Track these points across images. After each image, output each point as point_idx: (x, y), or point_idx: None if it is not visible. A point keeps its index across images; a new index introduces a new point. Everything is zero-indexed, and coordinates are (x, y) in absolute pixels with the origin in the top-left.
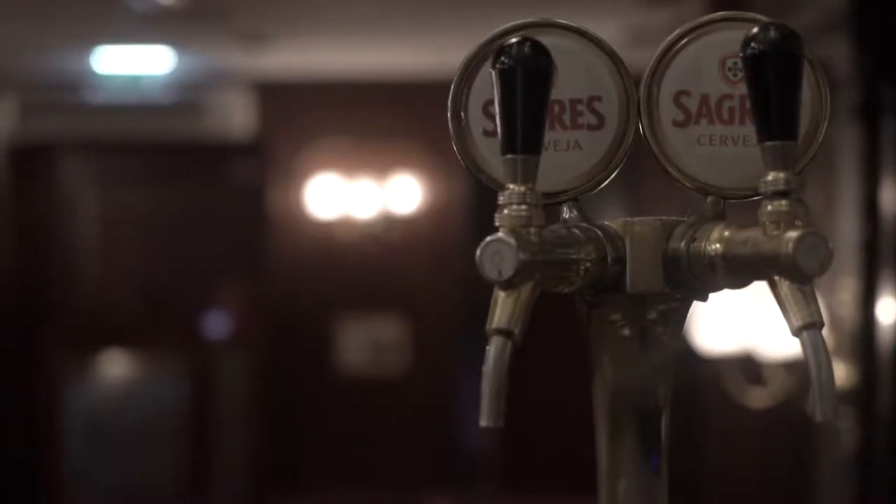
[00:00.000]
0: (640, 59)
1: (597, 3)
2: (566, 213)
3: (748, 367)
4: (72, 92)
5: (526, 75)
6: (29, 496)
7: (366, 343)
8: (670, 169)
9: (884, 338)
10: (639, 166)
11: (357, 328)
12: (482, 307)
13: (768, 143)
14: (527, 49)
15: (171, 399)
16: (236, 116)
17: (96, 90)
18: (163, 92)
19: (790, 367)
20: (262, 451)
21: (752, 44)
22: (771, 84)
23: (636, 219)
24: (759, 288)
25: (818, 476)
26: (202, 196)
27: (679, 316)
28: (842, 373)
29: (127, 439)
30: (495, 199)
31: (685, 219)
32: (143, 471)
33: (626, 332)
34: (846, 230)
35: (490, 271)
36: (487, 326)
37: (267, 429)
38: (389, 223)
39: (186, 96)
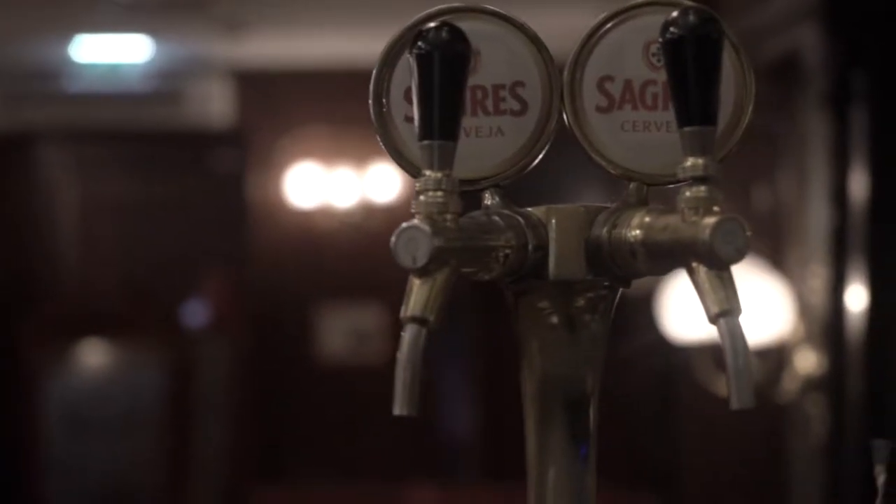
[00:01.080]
0: None
1: None
2: (488, 199)
3: (719, 354)
4: (50, 81)
5: (443, 61)
6: (8, 486)
7: (347, 331)
8: (594, 155)
9: (853, 325)
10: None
11: (338, 317)
12: (463, 295)
13: (687, 129)
14: (444, 34)
15: (151, 389)
16: (215, 105)
17: (75, 79)
18: (141, 81)
19: (762, 354)
20: (243, 440)
21: (671, 28)
22: (689, 69)
23: (559, 205)
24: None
25: (790, 463)
26: (181, 185)
27: (607, 303)
28: (812, 360)
29: (107, 429)
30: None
31: (609, 205)
32: (123, 460)
33: (554, 319)
34: (817, 218)
35: (404, 258)
36: (402, 314)
37: (248, 418)
38: (369, 212)
39: (165, 85)
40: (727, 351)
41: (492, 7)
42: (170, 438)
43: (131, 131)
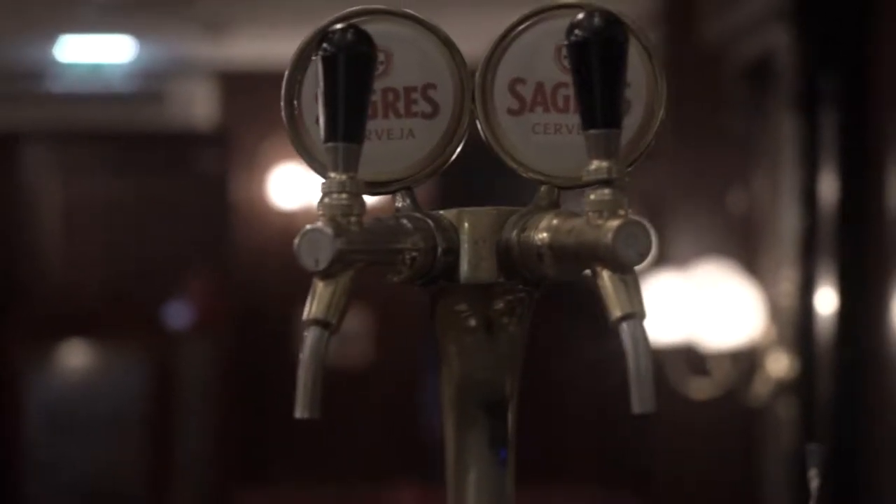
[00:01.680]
0: None
1: None
2: (399, 202)
3: (692, 357)
4: (33, 81)
5: (348, 63)
6: None
7: None
8: (505, 158)
9: (823, 328)
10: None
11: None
12: None
13: (591, 132)
14: (349, 36)
15: (133, 389)
16: (199, 105)
17: (58, 79)
18: (125, 81)
19: (735, 357)
20: (225, 441)
21: (576, 31)
22: (594, 71)
23: (470, 208)
24: (702, 277)
25: (762, 465)
26: (165, 185)
27: (525, 306)
28: (784, 363)
29: (90, 430)
30: (462, 190)
31: (520, 208)
32: (105, 461)
33: (472, 322)
34: (789, 220)
35: (307, 261)
36: (304, 316)
37: (230, 418)
38: None
39: (149, 85)
40: (629, 354)
41: (404, 10)
42: (152, 439)
43: (114, 131)
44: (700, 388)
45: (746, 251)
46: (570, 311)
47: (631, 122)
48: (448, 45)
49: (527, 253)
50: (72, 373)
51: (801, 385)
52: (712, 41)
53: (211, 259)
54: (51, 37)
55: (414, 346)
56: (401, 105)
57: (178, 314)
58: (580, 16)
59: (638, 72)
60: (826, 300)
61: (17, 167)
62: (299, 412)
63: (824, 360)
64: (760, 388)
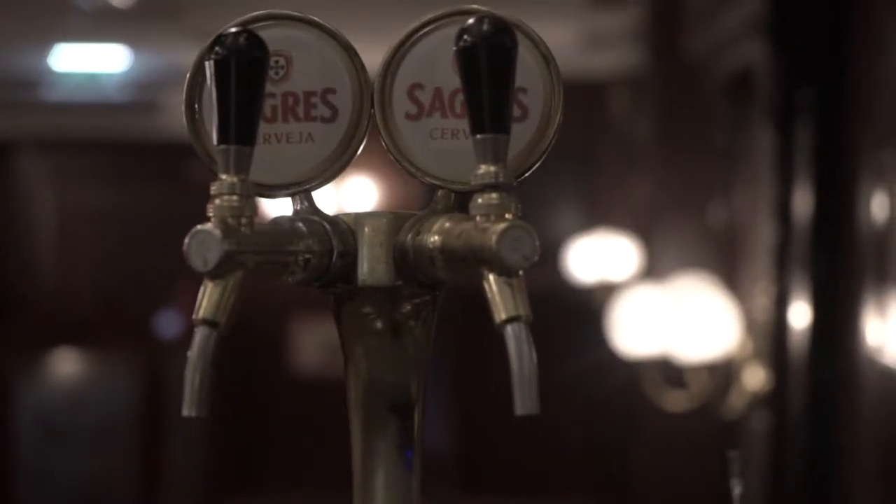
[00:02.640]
0: (593, 62)
1: (545, 6)
2: (297, 204)
3: (668, 369)
4: (28, 90)
5: (239, 66)
6: None
7: (319, 344)
8: (402, 162)
9: (797, 341)
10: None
11: (310, 329)
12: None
13: (479, 136)
14: (241, 40)
15: (124, 398)
16: None
17: (52, 88)
18: (119, 90)
19: (712, 369)
20: (215, 452)
21: (465, 36)
22: (482, 77)
23: (367, 212)
24: (680, 290)
25: (731, 482)
26: (158, 194)
27: (429, 309)
28: (760, 377)
29: (80, 438)
30: (454, 200)
31: (417, 212)
32: (95, 470)
33: (378, 325)
34: (766, 234)
35: (196, 261)
36: (194, 316)
37: (221, 429)
38: None
39: (143, 95)
40: (513, 357)
41: (306, 15)
42: (142, 448)
43: (108, 140)
44: (676, 401)
45: (726, 264)
46: (557, 325)
47: (527, 129)
48: (348, 50)
49: (420, 256)
50: (63, 381)
51: (775, 399)
52: (696, 55)
53: None
54: (45, 46)
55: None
56: (300, 109)
57: (170, 323)
58: (470, 21)
59: (535, 79)
60: (800, 314)
61: (11, 175)
62: (186, 410)
63: (798, 373)
64: (736, 401)
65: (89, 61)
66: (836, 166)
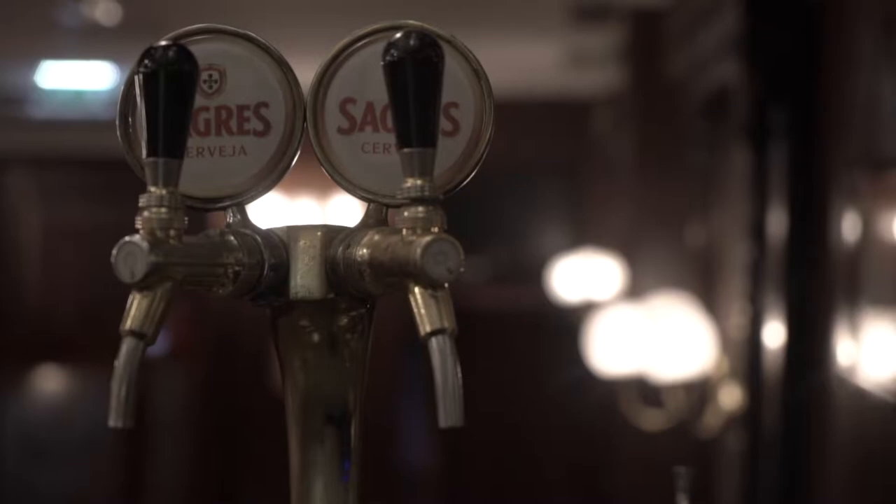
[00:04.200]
0: (574, 82)
1: (523, 23)
2: (230, 217)
3: (645, 388)
4: (14, 107)
5: (168, 79)
6: None
7: None
8: (334, 176)
9: (771, 361)
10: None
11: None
12: None
13: (406, 150)
14: (171, 54)
15: (108, 414)
16: None
17: (39, 105)
18: (105, 107)
19: (688, 388)
20: (200, 467)
21: (392, 51)
22: (409, 91)
23: (299, 225)
24: (654, 308)
25: (714, 497)
26: None
27: (366, 322)
28: (736, 396)
29: (64, 454)
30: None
31: (349, 226)
32: (79, 486)
33: (315, 338)
34: (740, 254)
35: (123, 273)
36: (121, 327)
37: (205, 444)
38: None
39: None
40: (437, 369)
41: (240, 30)
42: (126, 464)
43: (95, 158)
44: (653, 419)
45: (703, 284)
46: (537, 343)
47: (458, 144)
48: (281, 64)
49: (350, 269)
50: (46, 397)
51: (749, 418)
52: (674, 75)
53: None
54: (32, 63)
55: (392, 370)
56: (233, 123)
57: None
58: (397, 35)
59: (467, 93)
60: (774, 334)
61: None
62: (112, 421)
63: (772, 393)
64: (712, 420)
65: (75, 79)
66: (810, 185)
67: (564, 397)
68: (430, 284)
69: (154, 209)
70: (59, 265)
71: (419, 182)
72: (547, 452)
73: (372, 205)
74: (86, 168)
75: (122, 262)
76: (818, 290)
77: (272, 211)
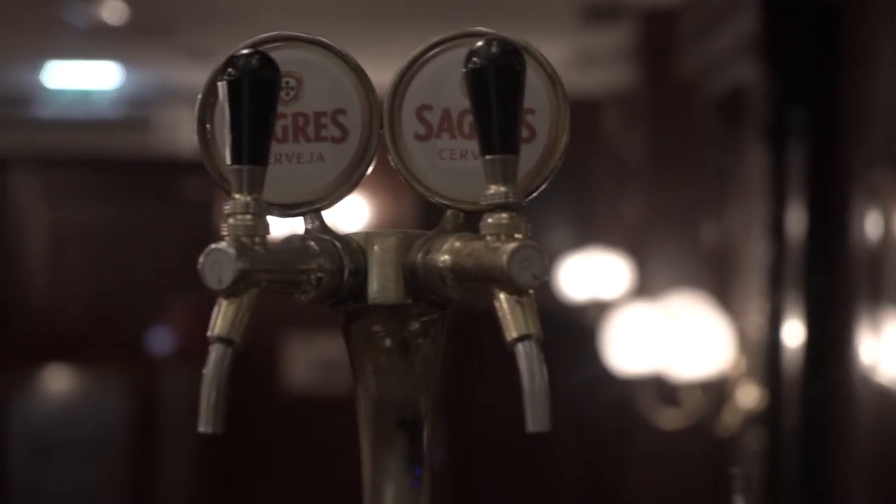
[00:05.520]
0: (585, 80)
1: (533, 22)
2: (308, 224)
3: (662, 387)
4: (20, 106)
5: (252, 87)
6: None
7: (313, 362)
8: (412, 182)
9: (790, 359)
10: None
11: (304, 347)
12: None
13: (489, 157)
14: (254, 61)
15: (116, 415)
16: (185, 132)
17: (44, 105)
18: (111, 107)
19: (706, 387)
20: (207, 469)
21: (474, 58)
22: (491, 98)
23: (378, 231)
24: (674, 308)
25: (731, 495)
26: (150, 211)
27: (438, 327)
28: (754, 395)
29: (71, 454)
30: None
31: (427, 232)
32: (87, 488)
33: (388, 343)
34: (759, 252)
35: (211, 279)
36: (208, 333)
37: (213, 446)
38: None
39: (135, 112)
40: (524, 374)
41: (316, 37)
42: (134, 464)
43: (100, 157)
44: (670, 418)
45: (719, 283)
46: (550, 343)
47: (535, 149)
48: (357, 71)
49: (431, 275)
50: (55, 397)
51: (769, 416)
52: (687, 75)
53: (194, 285)
54: (37, 63)
55: None
56: (311, 129)
57: (161, 340)
58: (479, 44)
59: (543, 100)
60: (793, 332)
61: (3, 192)
62: (202, 427)
63: (792, 391)
64: (730, 419)
65: (81, 78)
66: (829, 185)
67: (580, 396)
68: (516, 290)
69: (240, 216)
70: (65, 265)
71: (502, 188)
72: (563, 451)
73: (449, 211)
74: (92, 168)
75: (210, 269)
76: (838, 289)
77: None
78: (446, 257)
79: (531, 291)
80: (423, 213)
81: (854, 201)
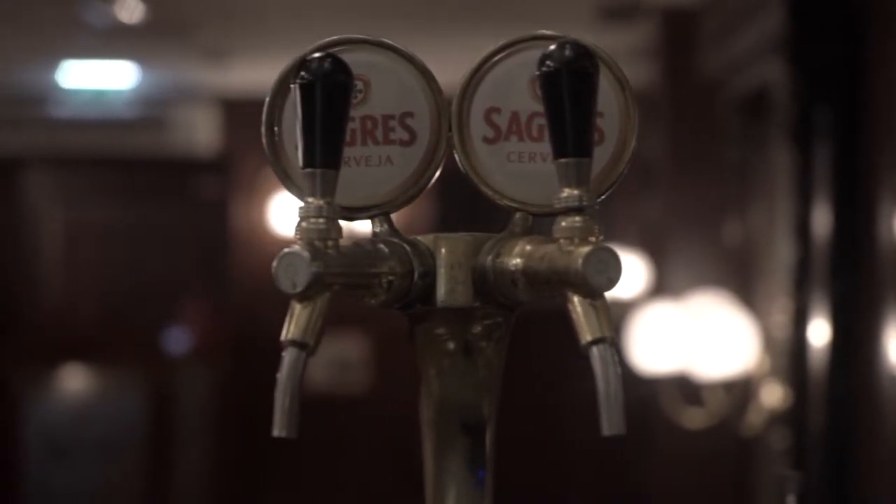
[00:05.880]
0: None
1: (550, 22)
2: (377, 227)
3: (686, 387)
4: (36, 106)
5: (324, 90)
6: None
7: (329, 360)
8: (480, 185)
9: (816, 359)
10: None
11: (320, 345)
12: None
13: (562, 160)
14: (326, 65)
15: (131, 415)
16: (200, 132)
17: (60, 105)
18: (127, 107)
19: (729, 387)
20: (221, 466)
21: (548, 62)
22: (565, 101)
23: (446, 234)
24: (697, 308)
25: (756, 496)
26: (165, 211)
27: (503, 330)
28: (778, 394)
29: (85, 454)
30: (460, 217)
31: (495, 234)
32: (103, 487)
33: (451, 345)
34: (783, 252)
35: (285, 284)
36: (283, 337)
37: (228, 445)
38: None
39: (150, 111)
40: (599, 378)
41: (383, 39)
42: (149, 464)
43: (116, 157)
44: (694, 418)
45: (742, 282)
46: (567, 340)
47: (604, 152)
48: (425, 74)
49: (501, 278)
50: (70, 397)
51: (794, 416)
52: (710, 74)
53: (209, 285)
54: (53, 62)
55: (412, 374)
56: (379, 132)
57: (177, 340)
58: (552, 47)
59: (611, 103)
60: (819, 332)
61: (18, 192)
62: (277, 431)
63: (817, 391)
64: (754, 419)
65: (97, 78)
66: (856, 184)
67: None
68: (590, 294)
69: (313, 219)
70: (79, 265)
71: (576, 192)
72: (586, 450)
73: (518, 214)
74: (108, 167)
75: (283, 273)
76: (865, 289)
77: (293, 209)
78: (518, 260)
79: (605, 294)
80: (438, 218)
81: (880, 201)
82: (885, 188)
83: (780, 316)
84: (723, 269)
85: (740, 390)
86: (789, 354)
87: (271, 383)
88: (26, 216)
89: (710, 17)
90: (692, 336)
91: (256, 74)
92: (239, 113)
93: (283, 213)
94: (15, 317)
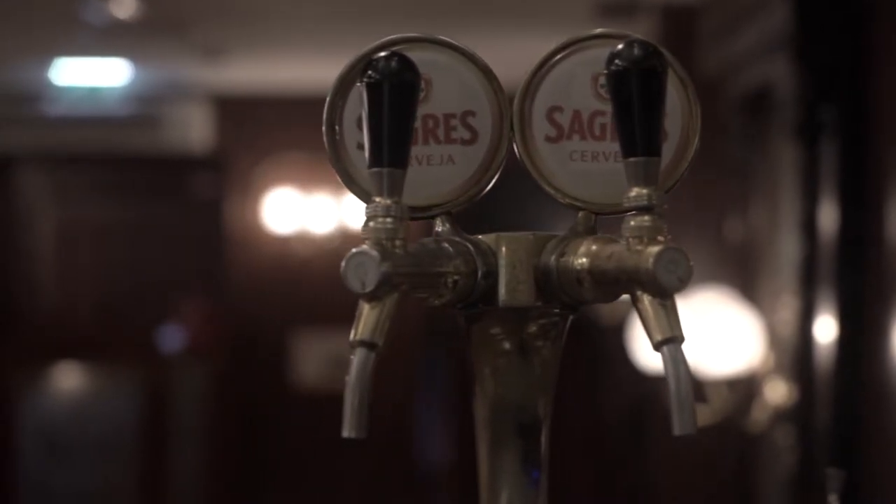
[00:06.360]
0: None
1: (548, 18)
2: (439, 226)
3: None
4: (29, 104)
5: (392, 90)
6: None
7: (324, 357)
8: (543, 184)
9: (822, 356)
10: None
11: (315, 342)
12: (442, 321)
13: (631, 160)
14: (394, 64)
15: (127, 413)
16: (194, 130)
17: (54, 102)
18: (121, 104)
19: (734, 384)
20: (219, 466)
21: (616, 60)
22: (634, 100)
23: (508, 233)
24: (701, 304)
25: (760, 493)
26: (160, 209)
27: (558, 329)
28: (782, 391)
29: (82, 453)
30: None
31: (558, 234)
32: (98, 485)
33: (507, 345)
34: (788, 249)
35: (354, 283)
36: (351, 338)
37: (224, 442)
38: (347, 238)
39: (144, 109)
40: (670, 378)
41: (443, 37)
42: (145, 462)
43: (110, 155)
44: (698, 415)
45: (745, 279)
46: (574, 339)
47: (667, 150)
48: (486, 72)
49: (566, 277)
50: (65, 396)
51: (800, 412)
52: (712, 71)
53: (205, 283)
54: (47, 60)
55: (409, 369)
56: (441, 132)
57: (172, 338)
58: (620, 46)
59: (673, 101)
60: (825, 329)
61: (12, 190)
62: (347, 432)
63: (823, 388)
64: (758, 416)
65: (91, 75)
66: (862, 182)
67: (606, 393)
68: (660, 293)
69: (381, 219)
70: (75, 263)
71: (645, 191)
72: (589, 449)
73: (581, 213)
74: (103, 165)
75: (353, 273)
76: (872, 285)
77: (287, 207)
78: (583, 260)
79: (675, 294)
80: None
81: (886, 198)
82: (891, 184)
83: (785, 313)
84: (726, 266)
85: (744, 387)
86: (795, 351)
87: (268, 381)
88: (20, 214)
89: (710, 15)
90: (696, 333)
91: (251, 72)
92: (233, 111)
93: (277, 210)
94: (10, 316)
